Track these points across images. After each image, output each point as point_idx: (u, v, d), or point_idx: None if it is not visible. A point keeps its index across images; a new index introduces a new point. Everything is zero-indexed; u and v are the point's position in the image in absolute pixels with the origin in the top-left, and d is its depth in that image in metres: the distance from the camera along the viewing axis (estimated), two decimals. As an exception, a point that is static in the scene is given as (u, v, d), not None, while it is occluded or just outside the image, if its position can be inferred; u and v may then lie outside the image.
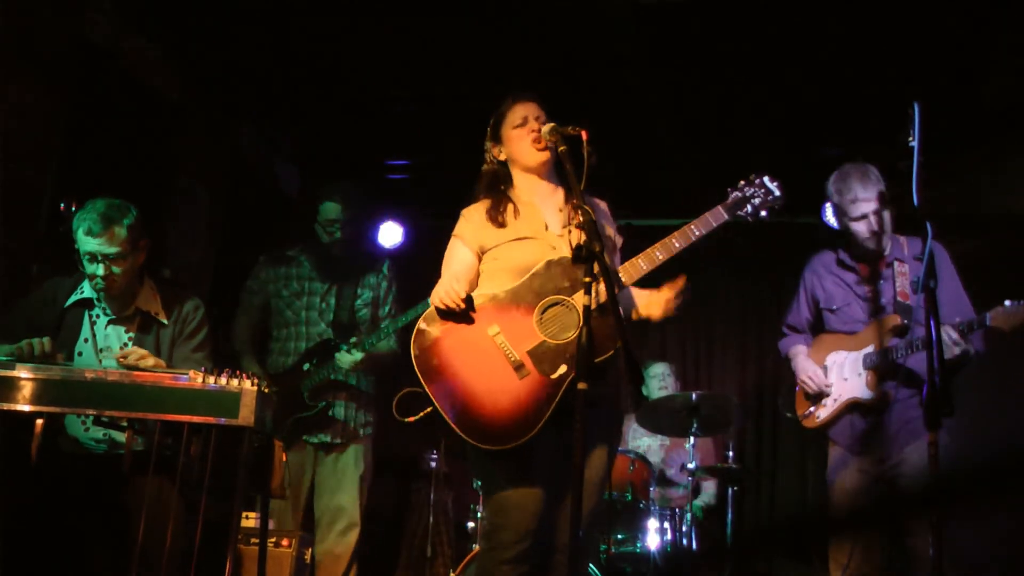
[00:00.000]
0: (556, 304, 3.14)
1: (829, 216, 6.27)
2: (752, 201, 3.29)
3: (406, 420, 3.21)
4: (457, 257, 3.37)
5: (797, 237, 6.97)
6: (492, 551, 3.09)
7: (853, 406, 3.89)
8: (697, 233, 3.24)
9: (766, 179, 3.31)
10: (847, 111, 5.62)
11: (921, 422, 3.55)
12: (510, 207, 3.34)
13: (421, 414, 3.14)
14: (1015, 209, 5.34)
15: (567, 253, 3.10)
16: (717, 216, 3.26)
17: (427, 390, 3.11)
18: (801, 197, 6.46)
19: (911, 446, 3.71)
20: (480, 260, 3.35)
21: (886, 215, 3.89)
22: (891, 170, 4.00)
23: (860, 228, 3.91)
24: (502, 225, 3.31)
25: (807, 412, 4.05)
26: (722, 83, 5.46)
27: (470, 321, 3.16)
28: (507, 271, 3.24)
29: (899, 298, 3.81)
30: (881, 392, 3.78)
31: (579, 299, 3.02)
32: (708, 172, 6.51)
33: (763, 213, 3.29)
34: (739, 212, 3.28)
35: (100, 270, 3.61)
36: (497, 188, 3.40)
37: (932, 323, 2.95)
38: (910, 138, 3.08)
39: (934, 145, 3.73)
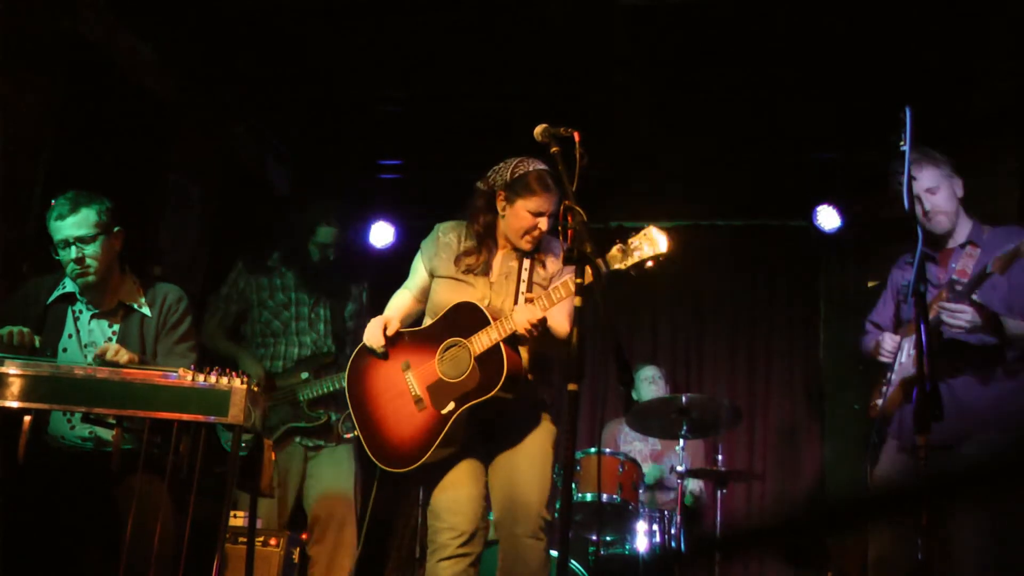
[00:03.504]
0: (454, 345, 3.43)
1: (820, 220, 6.31)
2: (633, 254, 3.18)
3: (345, 436, 3.79)
4: (411, 280, 3.75)
5: (789, 240, 7.00)
6: (433, 553, 3.46)
7: (906, 388, 3.76)
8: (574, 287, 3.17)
9: (654, 231, 3.17)
10: (839, 115, 5.63)
11: (975, 408, 3.55)
12: (482, 257, 3.59)
13: (356, 432, 3.58)
14: (1005, 213, 5.35)
15: (487, 298, 3.48)
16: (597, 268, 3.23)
17: (352, 414, 3.59)
18: (794, 201, 6.55)
19: (970, 439, 3.56)
20: (431, 279, 3.68)
21: (941, 197, 3.75)
22: (884, 173, 4.03)
23: (916, 209, 3.74)
24: (456, 263, 3.61)
25: (873, 403, 3.93)
26: (714, 86, 5.46)
27: (390, 355, 3.57)
28: (434, 307, 3.59)
29: (955, 276, 3.69)
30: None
31: (474, 341, 3.36)
32: (700, 174, 6.54)
33: (648, 265, 3.18)
34: (616, 265, 3.18)
35: (72, 253, 3.62)
36: (487, 216, 3.60)
37: (922, 327, 2.95)
38: (902, 142, 3.08)
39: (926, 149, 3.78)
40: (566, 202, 2.99)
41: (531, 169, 3.50)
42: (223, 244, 5.87)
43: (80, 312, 3.77)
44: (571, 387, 2.77)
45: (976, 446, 3.53)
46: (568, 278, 3.30)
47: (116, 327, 3.77)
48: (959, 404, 3.58)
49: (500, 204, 3.55)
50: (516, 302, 3.46)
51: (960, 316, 3.48)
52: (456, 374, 3.39)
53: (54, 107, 4.53)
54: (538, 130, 3.18)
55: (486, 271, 3.59)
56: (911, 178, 3.12)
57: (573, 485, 4.46)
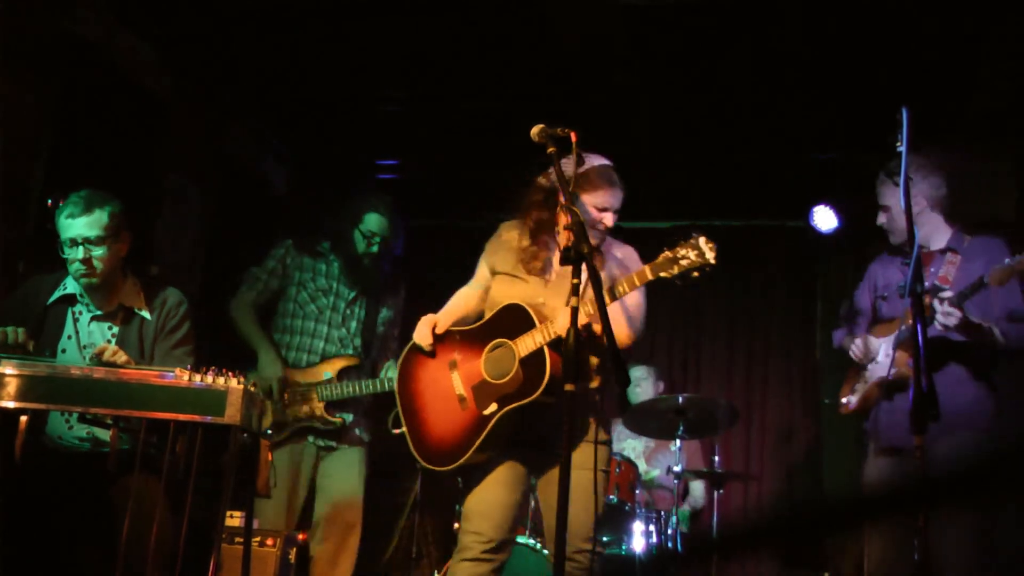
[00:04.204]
0: (500, 347, 3.40)
1: (817, 220, 6.31)
2: (681, 262, 3.17)
3: (394, 431, 3.71)
4: (475, 277, 3.74)
5: (787, 241, 7.01)
6: (458, 552, 3.47)
7: (882, 389, 3.85)
8: (621, 292, 3.26)
9: (702, 240, 3.16)
10: (837, 115, 5.63)
11: (954, 412, 3.55)
12: (540, 255, 3.54)
13: (404, 428, 3.60)
14: (1003, 213, 5.36)
15: (542, 297, 3.44)
16: (642, 277, 3.22)
17: (399, 409, 3.61)
18: (790, 201, 6.55)
19: (939, 439, 3.52)
20: (492, 275, 3.66)
21: (892, 214, 3.90)
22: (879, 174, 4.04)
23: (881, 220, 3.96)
24: (518, 259, 3.57)
25: (844, 400, 4.03)
26: (712, 86, 5.46)
27: (438, 353, 3.57)
28: (492, 304, 3.56)
29: (937, 281, 3.78)
30: (904, 369, 3.73)
31: (519, 343, 3.33)
32: (697, 175, 6.54)
33: (694, 274, 3.18)
34: (662, 273, 3.19)
35: (80, 253, 3.61)
36: (542, 212, 3.53)
37: (919, 327, 2.96)
38: (898, 143, 3.08)
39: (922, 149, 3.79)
40: (563, 202, 3.00)
41: (595, 164, 3.49)
42: (221, 244, 5.87)
43: (80, 313, 3.77)
44: (568, 387, 2.77)
45: (945, 447, 3.54)
46: (617, 282, 3.27)
47: (115, 329, 3.78)
48: None
49: (554, 199, 3.50)
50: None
51: (950, 317, 3.56)
52: (500, 375, 3.36)
53: (53, 106, 4.53)
54: (535, 130, 3.17)
55: (545, 270, 3.53)
56: (907, 178, 3.12)
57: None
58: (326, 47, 5.28)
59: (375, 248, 4.78)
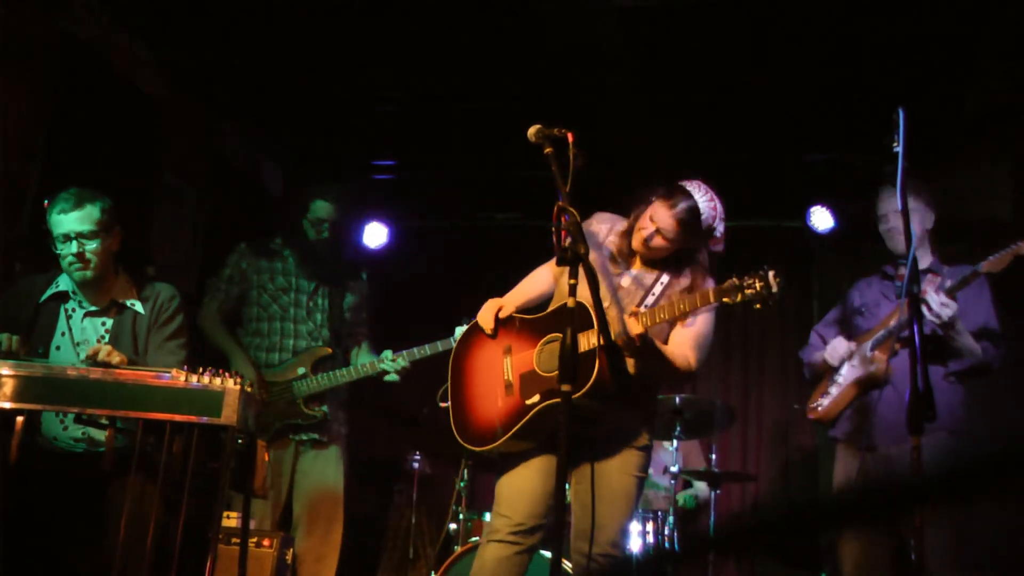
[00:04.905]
0: (556, 340, 3.37)
1: (813, 221, 6.32)
2: (745, 291, 3.21)
3: (440, 404, 3.71)
4: (552, 260, 3.59)
5: (783, 241, 7.00)
6: (487, 535, 3.48)
7: (857, 389, 3.92)
8: (681, 309, 3.29)
9: (771, 275, 3.20)
10: (832, 116, 5.63)
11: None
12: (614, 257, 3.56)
13: (449, 402, 3.60)
14: (999, 215, 5.36)
15: (607, 303, 3.37)
16: (705, 298, 3.27)
17: (449, 381, 3.62)
18: (787, 201, 6.55)
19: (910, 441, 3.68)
20: None
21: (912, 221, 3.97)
22: (876, 175, 4.06)
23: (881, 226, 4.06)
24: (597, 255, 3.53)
25: (814, 404, 4.09)
26: (706, 87, 5.47)
27: (496, 335, 3.58)
28: (560, 293, 3.57)
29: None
30: (883, 366, 3.80)
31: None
32: (694, 176, 6.53)
33: (756, 305, 3.21)
34: (725, 299, 3.24)
35: (73, 247, 3.62)
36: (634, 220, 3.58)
37: (916, 328, 2.96)
38: (895, 144, 3.08)
39: (918, 150, 3.79)
40: (559, 203, 2.99)
41: (686, 190, 3.51)
42: (217, 245, 5.86)
43: (73, 311, 3.78)
44: (565, 388, 2.77)
45: (926, 447, 3.57)
46: (679, 298, 3.29)
47: (109, 324, 3.77)
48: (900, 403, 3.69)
49: (647, 200, 3.55)
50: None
51: (946, 308, 3.64)
52: (549, 369, 3.35)
53: (49, 107, 4.52)
54: (532, 131, 3.16)
55: (620, 274, 3.54)
56: (904, 179, 3.13)
57: (567, 486, 4.47)
58: (322, 47, 5.28)
59: (325, 234, 4.87)
